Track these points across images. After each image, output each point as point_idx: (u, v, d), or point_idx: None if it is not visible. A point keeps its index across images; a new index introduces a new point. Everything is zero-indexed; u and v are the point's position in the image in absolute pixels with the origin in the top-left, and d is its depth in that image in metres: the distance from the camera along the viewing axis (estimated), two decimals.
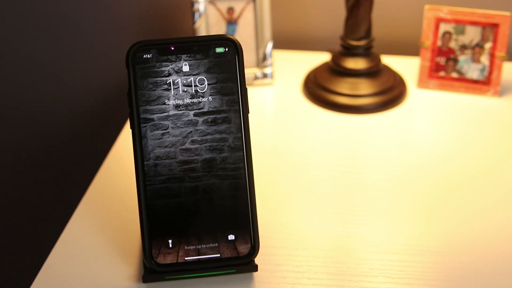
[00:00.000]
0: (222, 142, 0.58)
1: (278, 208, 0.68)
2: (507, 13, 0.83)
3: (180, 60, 0.58)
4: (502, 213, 0.67)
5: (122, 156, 0.76)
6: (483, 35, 0.84)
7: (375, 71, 0.86)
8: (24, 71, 0.99)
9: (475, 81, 0.86)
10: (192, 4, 0.87)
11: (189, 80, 0.58)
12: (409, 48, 0.97)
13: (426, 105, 0.85)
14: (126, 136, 0.80)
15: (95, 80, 1.01)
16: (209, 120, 0.58)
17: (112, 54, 0.99)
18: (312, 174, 0.73)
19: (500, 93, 0.87)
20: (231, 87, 0.59)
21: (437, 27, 0.86)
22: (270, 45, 0.89)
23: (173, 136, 0.58)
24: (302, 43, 1.00)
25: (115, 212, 0.68)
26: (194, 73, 0.58)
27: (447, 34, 0.86)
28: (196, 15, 0.87)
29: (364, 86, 0.85)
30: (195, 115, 0.58)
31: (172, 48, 0.58)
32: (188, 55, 0.58)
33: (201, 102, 0.58)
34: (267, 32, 0.88)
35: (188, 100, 0.58)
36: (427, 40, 0.86)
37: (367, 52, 0.86)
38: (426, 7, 0.85)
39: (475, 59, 0.86)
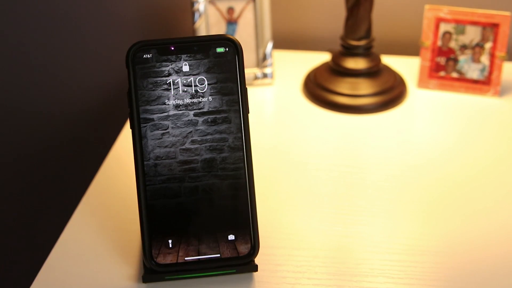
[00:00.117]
0: (222, 142, 0.58)
1: (278, 208, 0.68)
2: (507, 13, 0.83)
3: (180, 60, 0.58)
4: (502, 213, 0.67)
5: (122, 156, 0.76)
6: (483, 35, 0.84)
7: (375, 71, 0.86)
8: (24, 71, 0.99)
9: (475, 81, 0.86)
10: (192, 4, 0.87)
11: (189, 80, 0.58)
12: (409, 48, 0.97)
13: (426, 105, 0.85)
14: (126, 136, 0.80)
15: (95, 80, 1.01)
16: (209, 120, 0.58)
17: (112, 54, 0.99)
18: (312, 174, 0.73)
19: (500, 93, 0.87)
20: (231, 87, 0.59)
21: (437, 27, 0.86)
22: (270, 45, 0.89)
23: (173, 136, 0.58)
24: (302, 43, 1.00)
25: (115, 212, 0.68)
26: (194, 73, 0.58)
27: (447, 34, 0.86)
28: (196, 15, 0.87)
29: (364, 86, 0.85)
30: (195, 115, 0.58)
31: (172, 48, 0.58)
32: (188, 55, 0.58)
33: (201, 102, 0.58)
34: (267, 32, 0.88)
35: (188, 100, 0.58)
36: (427, 40, 0.86)
37: (367, 52, 0.86)
38: (426, 7, 0.85)
39: (475, 59, 0.86)
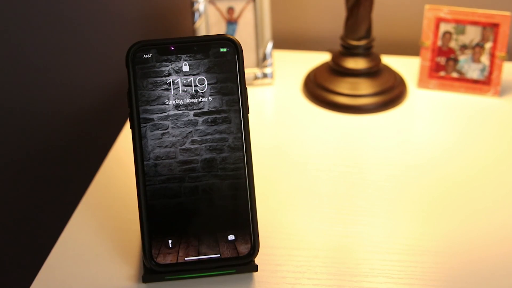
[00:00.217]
0: (222, 142, 0.58)
1: (278, 208, 0.68)
2: (507, 13, 0.83)
3: (180, 60, 0.58)
4: (502, 213, 0.67)
5: (122, 156, 0.76)
6: (483, 35, 0.84)
7: (375, 71, 0.86)
8: (24, 71, 0.99)
9: (475, 81, 0.86)
10: (192, 4, 0.87)
11: (189, 80, 0.58)
12: (409, 48, 0.97)
13: (426, 105, 0.85)
14: (126, 136, 0.80)
15: (95, 80, 1.01)
16: (209, 120, 0.58)
17: (112, 54, 0.99)
18: (312, 174, 0.73)
19: (500, 93, 0.86)
20: (231, 87, 0.58)
21: (437, 27, 0.85)
22: (270, 45, 0.89)
23: (173, 136, 0.58)
24: (302, 43, 1.00)
25: (115, 212, 0.68)
26: (194, 73, 0.58)
27: (447, 34, 0.86)
28: (196, 15, 0.87)
29: (364, 86, 0.85)
30: (195, 115, 0.58)
31: (172, 48, 0.58)
32: (188, 55, 0.58)
33: (201, 102, 0.58)
34: (267, 32, 0.88)
35: (188, 100, 0.58)
36: (427, 40, 0.86)
37: (367, 52, 0.86)
38: (426, 7, 0.85)
39: (476, 59, 0.86)
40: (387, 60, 0.92)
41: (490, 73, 0.85)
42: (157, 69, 0.58)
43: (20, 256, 1.06)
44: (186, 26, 1.00)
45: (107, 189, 0.71)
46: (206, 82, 0.58)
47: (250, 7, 0.88)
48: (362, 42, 0.85)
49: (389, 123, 0.82)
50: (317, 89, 0.86)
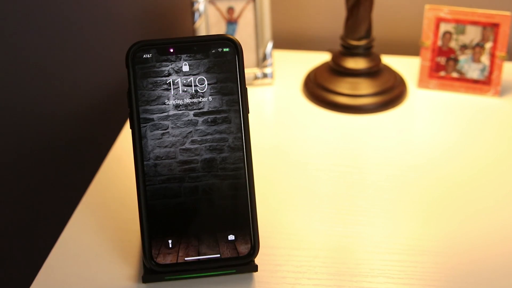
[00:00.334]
0: (222, 142, 0.58)
1: (278, 208, 0.68)
2: (507, 13, 0.83)
3: (180, 60, 0.58)
4: (502, 213, 0.67)
5: (122, 156, 0.76)
6: (483, 35, 0.84)
7: (375, 71, 0.86)
8: (24, 71, 0.99)
9: (475, 81, 0.86)
10: (192, 4, 0.87)
11: (189, 80, 0.58)
12: (410, 48, 0.97)
13: (426, 105, 0.85)
14: (126, 136, 0.80)
15: (95, 80, 1.01)
16: (209, 120, 0.58)
17: (112, 54, 0.99)
18: (312, 174, 0.73)
19: (501, 93, 0.86)
20: (231, 87, 0.58)
21: (437, 27, 0.85)
22: (270, 45, 0.89)
23: (173, 136, 0.58)
24: (302, 43, 1.00)
25: (115, 212, 0.68)
26: (194, 73, 0.58)
27: (447, 34, 0.85)
28: (196, 15, 0.87)
29: (364, 86, 0.85)
30: (195, 115, 0.58)
31: (172, 48, 0.58)
32: (188, 55, 0.58)
33: (201, 102, 0.58)
34: (267, 32, 0.88)
35: (188, 100, 0.58)
36: (428, 40, 0.86)
37: (367, 52, 0.86)
38: (427, 7, 0.85)
39: (476, 59, 0.86)
40: (387, 60, 0.92)
41: (490, 73, 0.85)
42: (157, 69, 0.58)
43: (20, 256, 1.06)
44: (186, 26, 1.00)
45: (107, 189, 0.71)
46: (206, 82, 0.58)
47: (250, 7, 0.88)
48: (362, 42, 0.85)
49: (389, 123, 0.82)
50: (317, 89, 0.86)
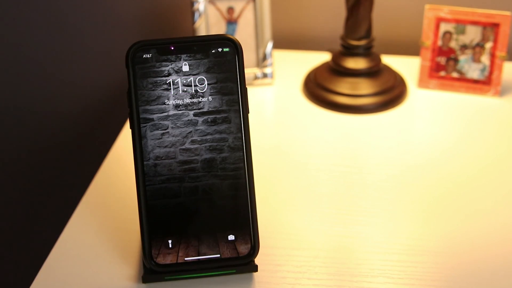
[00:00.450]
0: (222, 142, 0.58)
1: (278, 208, 0.68)
2: (507, 13, 0.83)
3: (180, 60, 0.58)
4: (502, 213, 0.67)
5: (122, 156, 0.76)
6: (483, 34, 0.84)
7: (375, 71, 0.86)
8: (24, 71, 0.99)
9: (475, 81, 0.86)
10: (192, 4, 0.87)
11: (189, 80, 0.58)
12: (410, 48, 0.97)
13: (426, 105, 0.85)
14: (126, 136, 0.80)
15: (95, 80, 1.01)
16: (209, 120, 0.58)
17: (112, 54, 0.99)
18: (312, 174, 0.73)
19: (501, 93, 0.86)
20: (231, 87, 0.58)
21: (437, 27, 0.85)
22: (270, 45, 0.89)
23: (173, 136, 0.58)
24: (302, 43, 1.00)
25: (115, 212, 0.68)
26: (194, 73, 0.58)
27: (447, 33, 0.85)
28: (196, 15, 0.87)
29: (364, 86, 0.85)
30: (195, 115, 0.58)
31: (172, 48, 0.58)
32: (188, 55, 0.58)
33: (201, 102, 0.58)
34: (267, 32, 0.88)
35: (188, 100, 0.58)
36: (428, 40, 0.86)
37: (367, 52, 0.86)
38: (427, 6, 0.85)
39: (476, 59, 0.86)
40: (387, 60, 0.92)
41: (491, 73, 0.85)
42: (157, 69, 0.58)
43: (20, 256, 1.06)
44: (186, 26, 1.00)
45: (107, 189, 0.71)
46: (206, 82, 0.58)
47: (250, 7, 0.88)
48: (362, 42, 0.85)
49: (389, 123, 0.82)
50: (317, 89, 0.86)
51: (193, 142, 0.58)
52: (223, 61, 0.58)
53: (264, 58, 0.89)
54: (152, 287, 0.59)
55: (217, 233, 0.58)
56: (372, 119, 0.83)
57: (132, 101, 0.57)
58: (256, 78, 0.89)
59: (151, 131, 0.58)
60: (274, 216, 0.67)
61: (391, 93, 0.85)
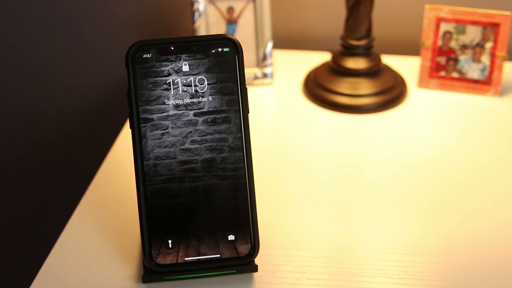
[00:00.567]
0: (222, 142, 0.58)
1: (278, 208, 0.68)
2: (507, 13, 0.83)
3: (180, 60, 0.58)
4: (502, 213, 0.67)
5: (122, 156, 0.76)
6: (483, 34, 0.84)
7: (376, 71, 0.86)
8: (24, 70, 0.99)
9: (475, 81, 0.86)
10: (192, 4, 0.87)
11: (189, 80, 0.58)
12: (410, 48, 0.97)
13: (427, 105, 0.85)
14: (126, 136, 0.80)
15: (94, 80, 1.01)
16: (209, 120, 0.58)
17: (112, 54, 0.99)
18: (312, 174, 0.73)
19: (501, 93, 0.86)
20: (231, 87, 0.58)
21: (437, 27, 0.85)
22: (270, 45, 0.89)
23: (173, 136, 0.58)
24: (302, 43, 1.00)
25: (115, 212, 0.68)
26: (194, 73, 0.58)
27: (447, 33, 0.85)
28: (196, 14, 0.87)
29: (364, 86, 0.85)
30: (195, 115, 0.58)
31: (172, 48, 0.58)
32: (188, 55, 0.58)
33: (201, 102, 0.58)
34: (267, 32, 0.88)
35: (188, 100, 0.58)
36: (428, 39, 0.86)
37: (367, 51, 0.86)
38: (427, 6, 0.85)
39: (476, 59, 0.86)
40: (387, 60, 0.92)
41: (491, 73, 0.85)
42: (157, 69, 0.58)
43: (20, 256, 1.06)
44: (186, 26, 1.00)
45: (107, 189, 0.71)
46: (206, 82, 0.58)
47: (250, 7, 0.88)
48: (362, 42, 0.85)
49: (389, 123, 0.82)
50: (317, 89, 0.86)
51: (193, 142, 0.58)
52: (223, 61, 0.58)
53: (264, 58, 0.89)
54: (152, 287, 0.59)
55: (217, 233, 0.58)
56: (372, 119, 0.83)
57: (132, 101, 0.57)
58: (256, 78, 0.89)
59: (151, 131, 0.58)
60: (274, 216, 0.67)
61: (391, 93, 0.85)
